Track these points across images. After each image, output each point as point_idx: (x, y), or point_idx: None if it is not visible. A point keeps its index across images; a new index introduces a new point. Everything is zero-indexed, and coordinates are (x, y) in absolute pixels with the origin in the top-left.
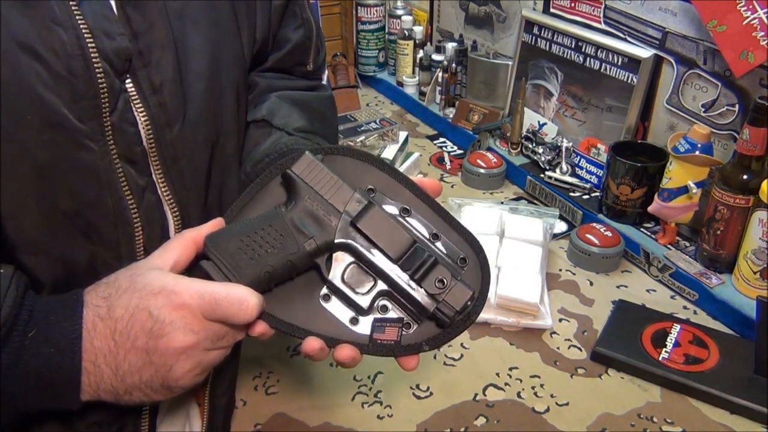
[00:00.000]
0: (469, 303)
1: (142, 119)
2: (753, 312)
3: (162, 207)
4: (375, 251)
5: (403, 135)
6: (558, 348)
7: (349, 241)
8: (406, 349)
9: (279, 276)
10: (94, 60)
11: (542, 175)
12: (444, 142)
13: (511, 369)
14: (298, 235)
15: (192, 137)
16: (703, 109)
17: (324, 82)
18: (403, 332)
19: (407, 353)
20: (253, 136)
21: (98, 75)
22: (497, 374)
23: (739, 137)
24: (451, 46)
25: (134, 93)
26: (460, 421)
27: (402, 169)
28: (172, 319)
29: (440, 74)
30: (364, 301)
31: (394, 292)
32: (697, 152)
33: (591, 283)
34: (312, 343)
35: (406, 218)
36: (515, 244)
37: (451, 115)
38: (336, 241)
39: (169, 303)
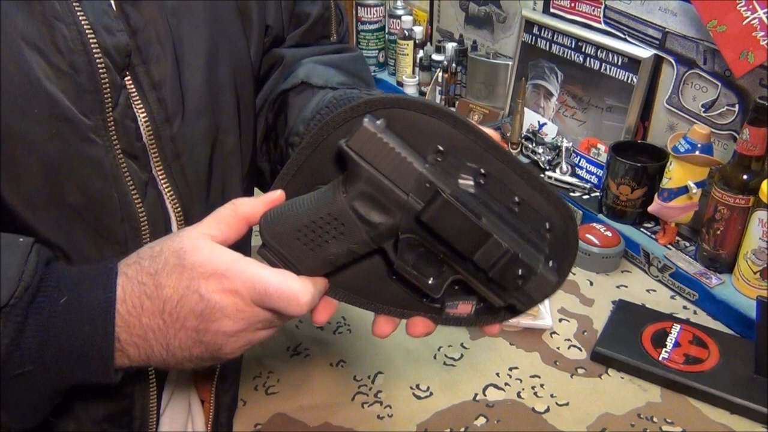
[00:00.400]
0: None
1: (141, 115)
2: (753, 312)
3: (164, 204)
4: (444, 246)
5: None
6: (558, 348)
7: (414, 236)
8: (482, 320)
9: (341, 262)
10: (96, 55)
11: (542, 175)
12: None
13: (511, 369)
14: (361, 223)
15: (191, 134)
16: (703, 109)
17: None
18: (477, 307)
19: (484, 324)
20: (294, 102)
21: (100, 70)
22: (497, 374)
23: (739, 137)
24: (451, 46)
25: (133, 89)
26: (460, 421)
27: None
28: (223, 306)
29: (440, 74)
30: (435, 289)
31: (469, 282)
32: (697, 152)
33: (591, 283)
34: (383, 328)
35: (484, 186)
36: None
37: None
38: (402, 230)
39: (221, 288)
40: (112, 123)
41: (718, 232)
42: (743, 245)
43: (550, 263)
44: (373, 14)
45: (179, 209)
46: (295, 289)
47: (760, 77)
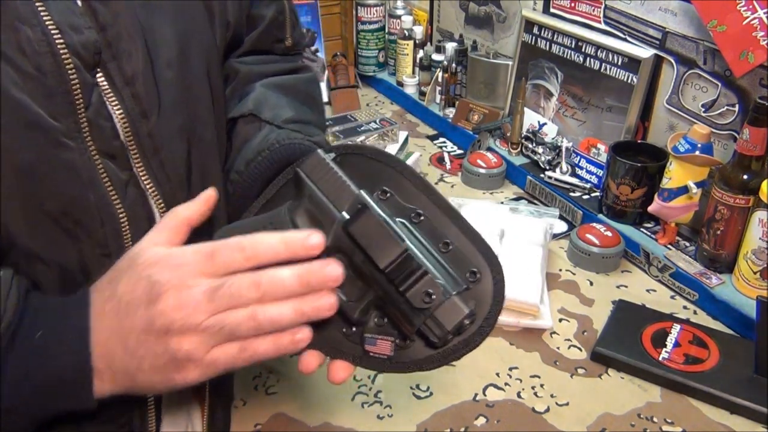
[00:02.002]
0: (466, 322)
1: (117, 112)
2: (753, 312)
3: (147, 201)
4: (364, 257)
5: (403, 135)
6: (558, 348)
7: (341, 243)
8: (399, 367)
9: None
10: (63, 55)
11: (542, 175)
12: (444, 142)
13: (511, 369)
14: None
15: (168, 127)
16: (703, 109)
17: (306, 58)
18: (397, 347)
19: (402, 370)
20: (242, 132)
21: (69, 70)
22: (497, 374)
23: (739, 137)
24: (451, 46)
25: (106, 86)
26: (460, 421)
27: None
28: (169, 278)
29: (440, 74)
30: (354, 311)
31: (383, 300)
32: (697, 152)
33: (591, 283)
34: (310, 361)
35: (418, 225)
36: (515, 244)
37: (451, 115)
38: (329, 244)
39: (168, 265)
40: (86, 124)
41: (718, 232)
42: (743, 245)
43: (471, 304)
44: (373, 14)
45: (162, 205)
46: (238, 238)
47: (760, 77)
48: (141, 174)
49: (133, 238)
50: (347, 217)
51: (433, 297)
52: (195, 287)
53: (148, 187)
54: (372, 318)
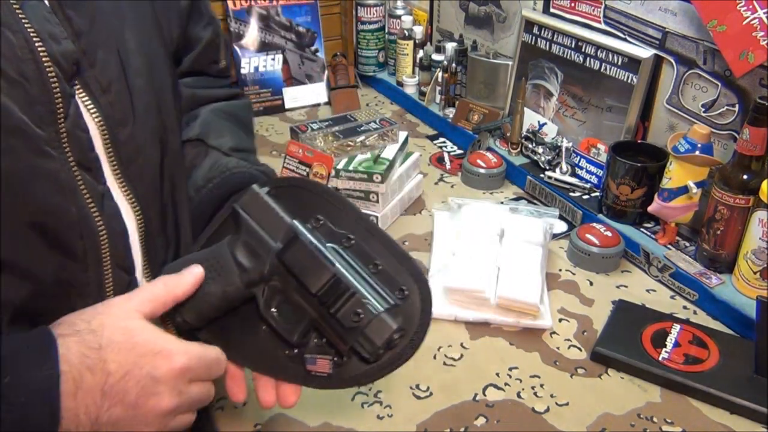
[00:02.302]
0: (395, 337)
1: (96, 121)
2: (753, 312)
3: (121, 215)
4: (297, 284)
5: (403, 135)
6: (558, 348)
7: (276, 271)
8: (339, 383)
9: (217, 307)
10: (45, 64)
11: (542, 175)
12: (444, 142)
13: (511, 369)
14: (235, 267)
15: (143, 132)
16: (703, 109)
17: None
18: (336, 365)
19: (341, 387)
20: (190, 155)
21: (51, 79)
22: (497, 374)
23: (739, 137)
24: (451, 46)
25: (85, 96)
26: (460, 421)
27: (402, 169)
28: (167, 380)
29: (440, 74)
30: (293, 336)
31: (318, 322)
32: (697, 152)
33: (591, 283)
34: (267, 397)
35: (349, 249)
36: (515, 244)
37: (451, 115)
38: (266, 274)
39: (169, 365)
40: (65, 134)
41: (718, 232)
42: (743, 245)
43: (400, 320)
44: (373, 14)
45: (140, 215)
46: (218, 351)
47: (760, 77)
48: (119, 183)
49: (111, 251)
50: (280, 246)
51: (362, 316)
52: (181, 396)
53: (126, 195)
54: (312, 339)
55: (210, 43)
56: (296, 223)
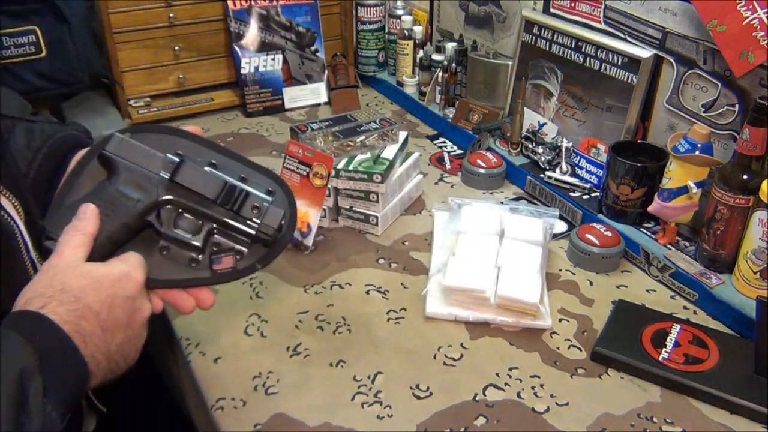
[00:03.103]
0: (282, 221)
1: None
2: (753, 312)
3: (7, 212)
4: (196, 197)
5: (403, 135)
6: (558, 348)
7: (171, 196)
8: (243, 272)
9: (117, 239)
10: None
11: (542, 175)
12: (444, 142)
13: (511, 369)
14: (126, 200)
15: None
16: (703, 109)
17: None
18: (238, 258)
19: (245, 275)
20: None
21: None
22: (497, 374)
23: (739, 137)
24: (451, 46)
25: None
26: (460, 421)
27: (402, 169)
28: (138, 293)
29: (440, 74)
30: (198, 241)
31: (221, 227)
32: (697, 152)
33: (591, 283)
34: (185, 304)
35: (218, 169)
36: (515, 244)
37: (451, 115)
38: (160, 198)
39: (133, 283)
40: None
41: (718, 232)
42: (743, 245)
43: (284, 211)
44: (373, 14)
45: (19, 205)
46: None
47: (760, 77)
48: None
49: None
50: (167, 175)
51: (260, 208)
52: (147, 298)
53: (3, 195)
54: (210, 244)
55: None
56: (169, 155)
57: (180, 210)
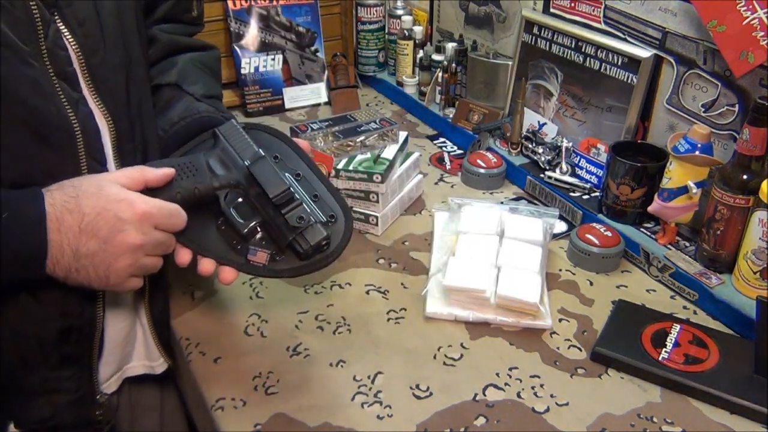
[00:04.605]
0: (324, 243)
1: (73, 47)
2: (753, 312)
3: (94, 118)
4: (258, 191)
5: (403, 135)
6: (558, 348)
7: (242, 181)
8: (270, 273)
9: (188, 198)
10: None
11: (542, 175)
12: (444, 142)
13: (511, 369)
14: (208, 171)
15: (112, 62)
16: (703, 109)
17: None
18: (273, 259)
19: (271, 276)
20: (166, 96)
21: (32, 5)
22: (497, 374)
23: (739, 137)
24: (451, 46)
25: (62, 25)
26: (460, 421)
27: (402, 169)
28: (132, 221)
29: (440, 74)
30: (245, 228)
31: (267, 222)
32: (697, 152)
33: (591, 283)
34: (206, 266)
35: (298, 181)
36: (515, 244)
37: (451, 115)
38: (233, 180)
39: (132, 209)
40: (45, 50)
41: (718, 232)
42: (743, 245)
43: (329, 233)
44: (373, 14)
45: (111, 122)
46: (178, 207)
47: (760, 77)
48: (93, 96)
49: (86, 147)
50: (249, 163)
51: (304, 220)
52: (146, 236)
53: (99, 107)
54: (256, 235)
55: None
56: (261, 151)
57: (242, 197)
